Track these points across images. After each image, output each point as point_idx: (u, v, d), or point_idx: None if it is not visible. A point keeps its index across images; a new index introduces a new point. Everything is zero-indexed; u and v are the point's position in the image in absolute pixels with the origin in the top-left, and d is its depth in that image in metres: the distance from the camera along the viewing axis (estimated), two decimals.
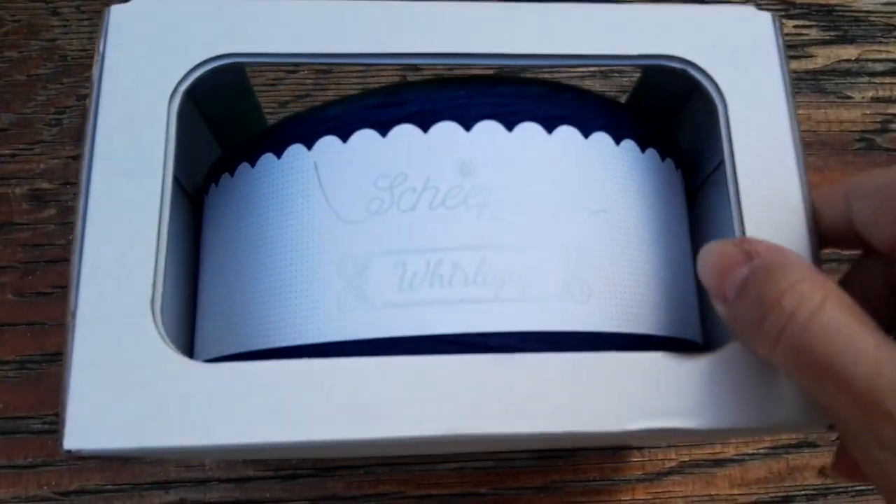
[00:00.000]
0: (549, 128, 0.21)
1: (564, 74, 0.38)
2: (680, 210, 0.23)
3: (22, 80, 0.37)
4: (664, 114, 0.26)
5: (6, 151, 0.36)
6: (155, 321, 0.18)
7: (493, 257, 0.19)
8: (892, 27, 0.41)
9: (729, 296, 0.18)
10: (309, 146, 0.21)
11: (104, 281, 0.19)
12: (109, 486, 0.32)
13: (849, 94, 0.39)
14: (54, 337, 0.34)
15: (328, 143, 0.21)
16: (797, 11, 0.41)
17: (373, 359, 0.18)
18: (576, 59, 0.22)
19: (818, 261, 0.20)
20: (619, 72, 0.39)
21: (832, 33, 0.41)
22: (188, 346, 0.23)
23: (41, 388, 0.33)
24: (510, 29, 0.21)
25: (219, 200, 0.23)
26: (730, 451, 0.34)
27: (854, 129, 0.39)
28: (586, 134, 0.21)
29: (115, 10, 0.21)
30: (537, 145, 0.21)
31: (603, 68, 0.38)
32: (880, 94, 0.40)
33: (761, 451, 0.34)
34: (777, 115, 0.21)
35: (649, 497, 0.32)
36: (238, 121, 0.27)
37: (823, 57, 0.40)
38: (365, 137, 0.21)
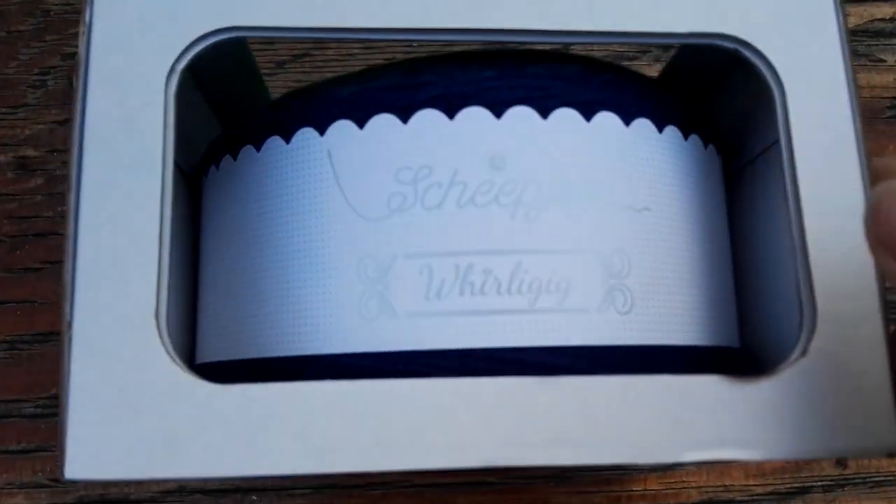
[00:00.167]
0: (588, 115, 0.19)
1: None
2: (721, 202, 0.22)
3: (2, 37, 0.35)
4: (695, 96, 0.24)
5: None
6: (160, 334, 0.17)
7: (529, 262, 0.18)
8: None
9: None
10: (321, 131, 0.19)
11: (102, 287, 0.17)
12: None
13: (881, 56, 0.37)
14: (45, 315, 0.32)
15: (343, 128, 0.19)
16: None
17: (403, 381, 0.16)
18: (615, 36, 0.19)
19: None
20: (643, 51, 0.36)
21: None
22: (189, 347, 0.21)
23: (32, 369, 0.31)
24: (542, 2, 0.19)
25: (220, 185, 0.21)
26: None
27: (886, 94, 0.37)
28: (627, 121, 0.19)
29: None
30: (574, 135, 0.19)
31: (619, 48, 0.36)
32: None
33: None
34: (838, 104, 0.19)
35: (662, 487, 0.31)
36: (242, 102, 0.25)
37: (856, 16, 0.38)
38: (384, 123, 0.19)
